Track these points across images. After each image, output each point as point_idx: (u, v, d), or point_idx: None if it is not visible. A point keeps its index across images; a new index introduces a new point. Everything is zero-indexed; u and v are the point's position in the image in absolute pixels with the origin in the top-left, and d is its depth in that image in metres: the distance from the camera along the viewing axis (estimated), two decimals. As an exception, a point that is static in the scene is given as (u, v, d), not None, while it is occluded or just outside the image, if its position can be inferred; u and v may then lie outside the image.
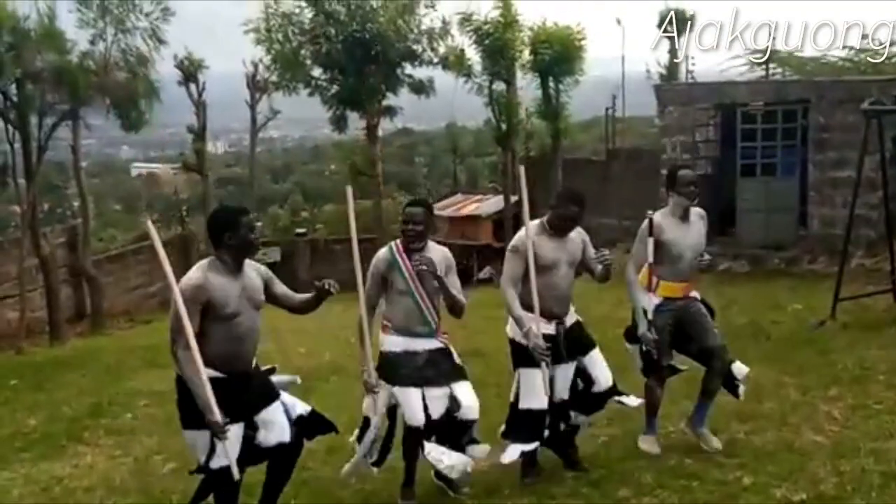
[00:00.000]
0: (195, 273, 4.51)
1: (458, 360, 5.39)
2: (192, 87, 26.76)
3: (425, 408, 5.14)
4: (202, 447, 4.49)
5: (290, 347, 10.34)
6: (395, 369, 5.19)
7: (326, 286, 4.74)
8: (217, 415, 4.32)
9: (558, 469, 5.72)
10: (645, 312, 5.72)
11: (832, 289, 10.20)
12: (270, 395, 4.75)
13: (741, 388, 6.07)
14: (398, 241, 5.34)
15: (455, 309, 5.35)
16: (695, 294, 5.99)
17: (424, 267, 5.14)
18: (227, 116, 44.72)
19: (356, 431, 5.37)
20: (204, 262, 4.60)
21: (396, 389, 5.17)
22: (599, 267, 5.49)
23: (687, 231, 5.87)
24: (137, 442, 7.43)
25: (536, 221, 5.50)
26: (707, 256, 5.95)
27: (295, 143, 74.20)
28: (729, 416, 6.45)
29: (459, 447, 5.29)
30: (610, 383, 5.61)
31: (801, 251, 14.97)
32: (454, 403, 5.21)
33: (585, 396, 5.62)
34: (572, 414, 5.66)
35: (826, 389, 7.35)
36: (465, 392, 5.27)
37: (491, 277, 22.74)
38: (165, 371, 10.36)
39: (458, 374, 5.33)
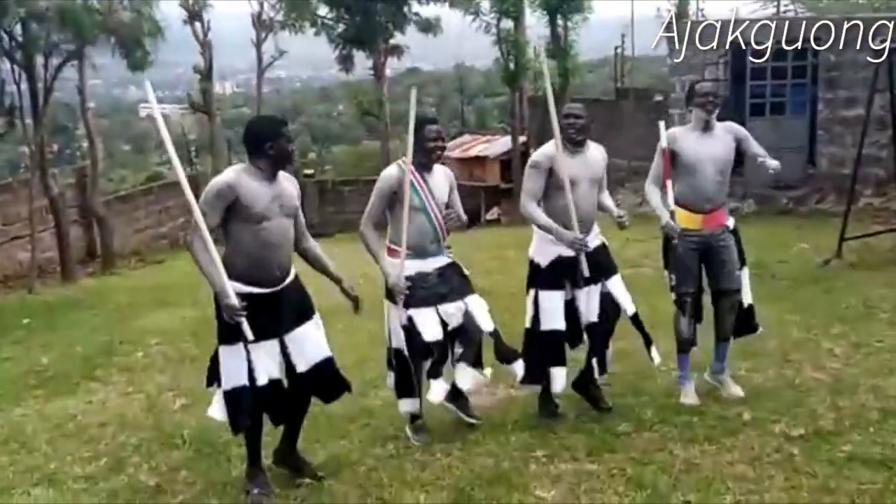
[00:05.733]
0: (228, 172, 4.58)
1: (466, 272, 5.42)
2: (198, 26, 26.52)
3: (444, 323, 5.21)
4: (231, 366, 4.57)
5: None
6: (409, 292, 5.20)
7: (354, 302, 4.91)
8: (233, 298, 4.37)
9: (560, 404, 5.80)
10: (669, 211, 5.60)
11: (839, 228, 10.20)
12: (304, 312, 4.76)
13: (759, 330, 6.06)
14: (403, 159, 5.29)
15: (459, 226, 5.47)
16: (728, 223, 5.77)
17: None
18: (234, 56, 44.38)
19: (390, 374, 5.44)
20: (238, 165, 4.66)
21: (412, 311, 5.19)
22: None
23: (706, 142, 5.63)
24: (149, 379, 7.54)
25: (553, 141, 5.36)
26: (773, 162, 5.64)
27: (303, 83, 73.71)
28: (731, 353, 6.48)
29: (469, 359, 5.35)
30: (633, 310, 5.62)
31: (810, 190, 14.97)
32: (469, 318, 5.28)
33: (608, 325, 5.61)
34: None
35: (829, 327, 7.42)
36: (477, 306, 5.34)
37: (499, 218, 22.79)
38: (176, 310, 10.53)
39: (469, 287, 5.38)
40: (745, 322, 5.96)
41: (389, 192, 5.23)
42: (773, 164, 5.67)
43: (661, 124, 5.76)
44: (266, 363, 4.59)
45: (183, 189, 4.43)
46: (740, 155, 5.86)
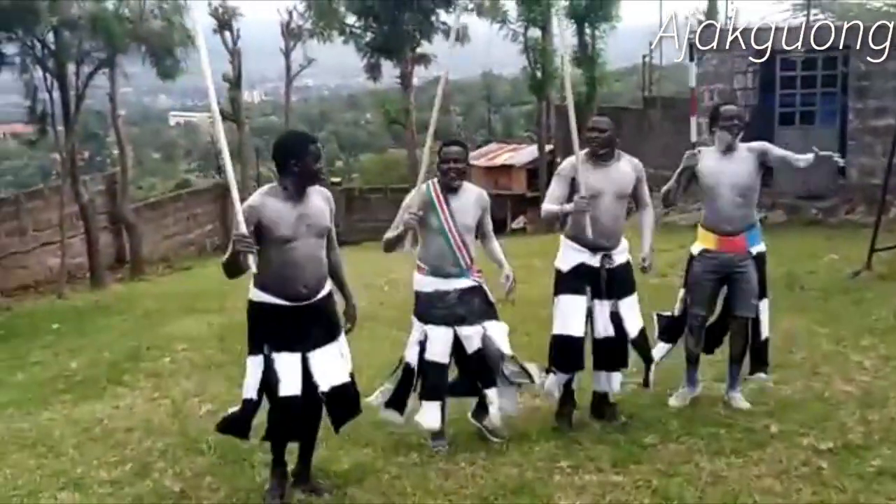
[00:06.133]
0: (254, 196, 4.58)
1: (491, 297, 5.37)
2: (227, 35, 26.74)
3: (460, 345, 5.24)
4: (253, 379, 4.61)
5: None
6: (426, 308, 5.26)
7: (351, 323, 4.92)
8: (242, 227, 4.28)
9: (585, 415, 5.77)
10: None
11: (869, 239, 10.09)
12: (330, 334, 4.73)
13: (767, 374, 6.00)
14: (434, 180, 5.34)
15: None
16: (752, 250, 5.66)
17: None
18: (263, 65, 44.70)
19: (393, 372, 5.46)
20: (265, 186, 4.65)
21: (427, 327, 5.24)
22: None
23: (727, 165, 5.60)
24: (175, 385, 7.58)
25: (582, 151, 5.36)
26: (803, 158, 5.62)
27: (331, 91, 74.13)
28: (759, 364, 6.46)
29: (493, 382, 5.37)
30: (635, 334, 5.55)
31: (839, 201, 14.80)
32: (488, 342, 5.27)
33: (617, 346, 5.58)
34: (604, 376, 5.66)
35: (858, 339, 7.33)
36: (497, 331, 5.32)
37: (524, 227, 22.75)
38: (203, 316, 10.58)
39: (490, 313, 5.34)
40: (757, 355, 5.89)
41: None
42: (805, 157, 5.63)
43: (692, 65, 5.82)
44: (286, 376, 4.56)
45: (231, 192, 4.48)
46: (769, 168, 5.80)
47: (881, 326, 7.71)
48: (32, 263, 19.74)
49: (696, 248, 5.81)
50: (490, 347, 5.30)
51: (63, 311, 13.02)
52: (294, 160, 4.52)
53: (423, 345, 5.29)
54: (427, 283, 5.28)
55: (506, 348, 5.34)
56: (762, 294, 5.77)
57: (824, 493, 4.51)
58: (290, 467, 4.94)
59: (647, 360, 5.70)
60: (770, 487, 4.61)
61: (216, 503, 4.88)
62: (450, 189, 5.27)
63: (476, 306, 5.29)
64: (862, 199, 14.28)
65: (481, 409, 5.53)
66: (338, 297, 4.87)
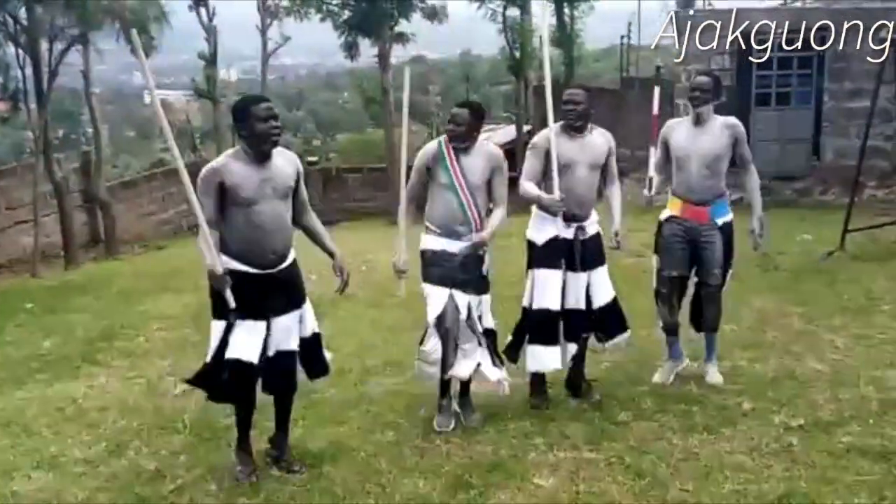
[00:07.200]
0: (218, 158, 4.60)
1: (485, 271, 5.34)
2: (203, 11, 26.47)
3: (457, 308, 5.21)
4: (216, 338, 4.59)
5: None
6: (429, 267, 5.25)
7: (343, 283, 4.91)
8: (219, 268, 4.34)
9: (560, 392, 5.82)
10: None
11: (842, 220, 10.18)
12: (295, 300, 4.74)
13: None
14: (445, 136, 5.31)
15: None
16: (719, 221, 5.78)
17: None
18: (240, 43, 44.32)
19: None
20: (231, 150, 4.65)
21: (426, 286, 5.24)
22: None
23: (696, 137, 5.69)
24: (150, 364, 7.54)
25: (556, 124, 5.39)
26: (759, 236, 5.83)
27: (308, 70, 73.68)
28: (732, 343, 6.53)
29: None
30: (602, 303, 5.57)
31: (814, 182, 14.92)
32: (471, 316, 5.27)
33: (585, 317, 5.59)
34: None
35: (831, 319, 7.41)
36: (485, 307, 5.37)
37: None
38: (178, 296, 10.53)
39: (485, 286, 5.36)
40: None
41: (423, 168, 5.26)
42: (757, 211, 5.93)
43: (656, 89, 5.81)
44: (243, 342, 4.55)
45: (182, 179, 4.45)
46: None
47: (853, 306, 7.81)
48: (5, 242, 19.51)
49: (664, 214, 5.93)
50: (473, 323, 5.30)
51: (36, 291, 12.88)
52: (241, 124, 4.52)
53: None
54: (435, 242, 5.26)
55: (488, 322, 5.38)
56: (727, 264, 5.87)
57: (794, 469, 4.58)
58: (266, 448, 4.97)
59: (622, 327, 5.72)
60: (741, 464, 4.67)
61: (191, 481, 4.87)
62: (458, 147, 5.23)
63: (474, 278, 5.27)
64: (836, 180, 14.39)
65: (462, 392, 5.55)
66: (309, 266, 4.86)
